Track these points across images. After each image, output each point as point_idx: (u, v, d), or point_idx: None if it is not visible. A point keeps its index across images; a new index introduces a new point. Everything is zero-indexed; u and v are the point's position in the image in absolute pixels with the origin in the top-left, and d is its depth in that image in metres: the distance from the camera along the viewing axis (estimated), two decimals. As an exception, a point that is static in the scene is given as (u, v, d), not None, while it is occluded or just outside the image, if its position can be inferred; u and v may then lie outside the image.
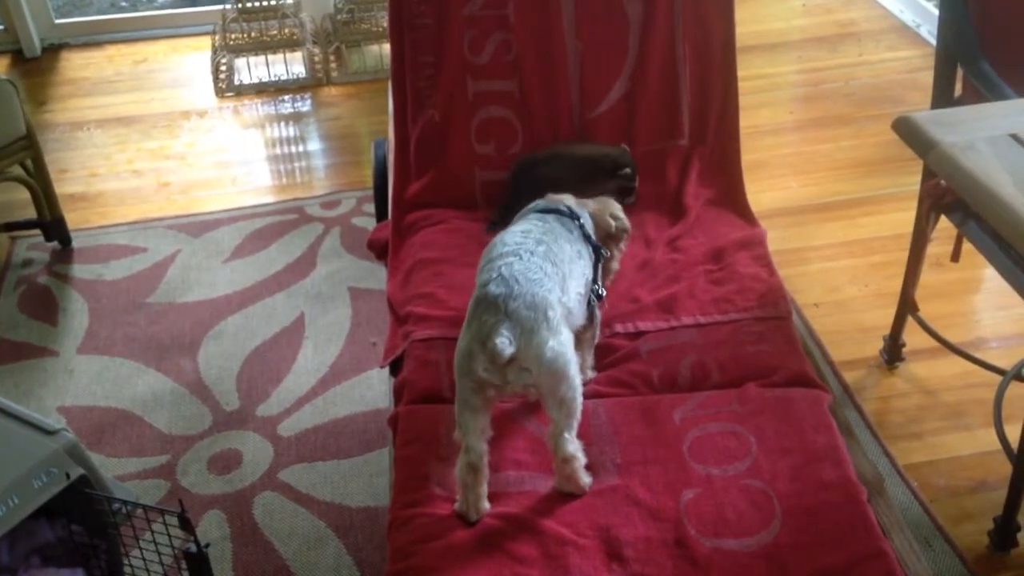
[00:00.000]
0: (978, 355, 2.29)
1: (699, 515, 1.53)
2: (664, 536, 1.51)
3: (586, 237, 1.71)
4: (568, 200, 1.77)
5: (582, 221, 1.71)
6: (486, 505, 1.54)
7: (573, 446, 1.55)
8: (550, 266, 1.55)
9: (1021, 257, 1.82)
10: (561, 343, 1.50)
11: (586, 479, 1.57)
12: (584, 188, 2.00)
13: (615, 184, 2.15)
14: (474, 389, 1.50)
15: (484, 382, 1.49)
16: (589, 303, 1.71)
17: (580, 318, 1.67)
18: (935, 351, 2.35)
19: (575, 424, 1.55)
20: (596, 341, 1.80)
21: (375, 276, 2.70)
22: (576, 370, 1.54)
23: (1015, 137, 1.62)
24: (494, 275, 1.51)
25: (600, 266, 1.74)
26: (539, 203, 1.74)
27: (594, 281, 1.72)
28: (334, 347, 2.51)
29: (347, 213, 3.01)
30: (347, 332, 2.56)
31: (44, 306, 2.71)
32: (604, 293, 1.75)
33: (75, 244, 2.93)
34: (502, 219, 1.99)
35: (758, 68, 3.65)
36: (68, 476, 1.70)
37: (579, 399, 1.55)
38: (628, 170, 2.16)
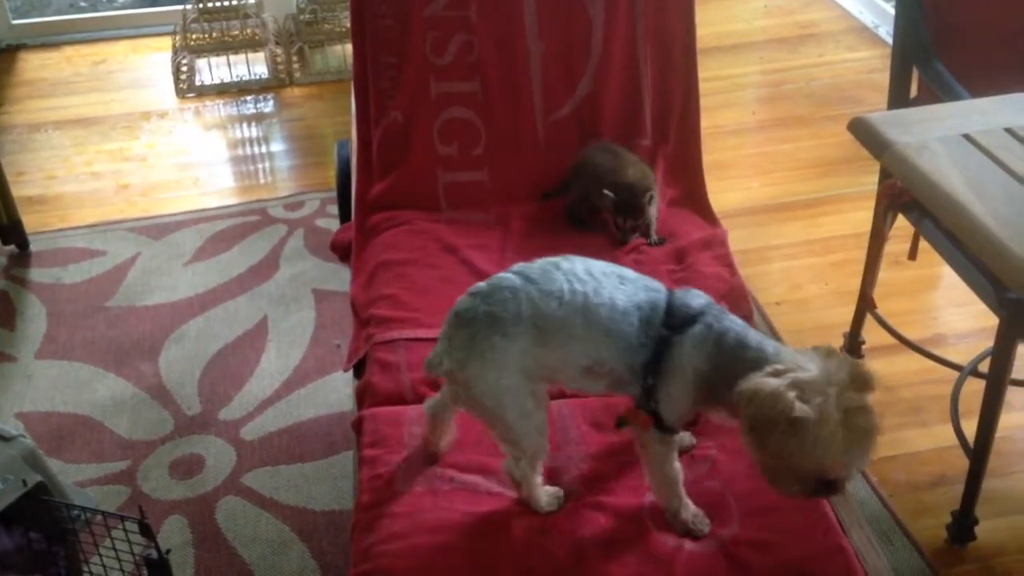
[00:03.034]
0: (936, 351, 2.33)
1: (662, 515, 1.54)
2: (629, 535, 1.51)
3: None
4: None
5: None
6: (446, 445, 1.62)
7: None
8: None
9: (975, 255, 1.85)
10: None
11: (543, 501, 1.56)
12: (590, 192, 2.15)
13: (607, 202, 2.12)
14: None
15: None
16: None
17: None
18: (894, 348, 2.38)
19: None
20: None
21: (339, 278, 2.68)
22: None
23: (968, 137, 1.65)
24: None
25: None
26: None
27: None
28: (298, 350, 2.50)
29: (311, 215, 3.00)
30: (311, 334, 2.54)
31: (1, 311, 2.66)
32: None
33: (33, 248, 2.89)
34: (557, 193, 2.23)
35: (721, 69, 3.68)
36: (25, 483, 1.68)
37: None
38: (612, 195, 2.08)
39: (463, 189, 2.24)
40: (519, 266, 1.51)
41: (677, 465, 1.50)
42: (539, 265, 1.50)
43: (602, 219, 2.17)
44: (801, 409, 1.25)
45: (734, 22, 4.02)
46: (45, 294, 2.72)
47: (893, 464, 2.17)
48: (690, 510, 1.52)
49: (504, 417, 1.49)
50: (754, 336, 1.40)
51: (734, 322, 1.42)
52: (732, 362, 1.37)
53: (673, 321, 1.42)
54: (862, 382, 1.29)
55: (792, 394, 1.26)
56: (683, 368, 1.41)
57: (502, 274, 1.50)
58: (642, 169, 2.16)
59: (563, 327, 1.44)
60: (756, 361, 1.34)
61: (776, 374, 1.30)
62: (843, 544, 1.48)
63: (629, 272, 1.50)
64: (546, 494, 1.56)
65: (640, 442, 1.49)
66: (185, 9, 3.75)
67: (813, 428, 1.25)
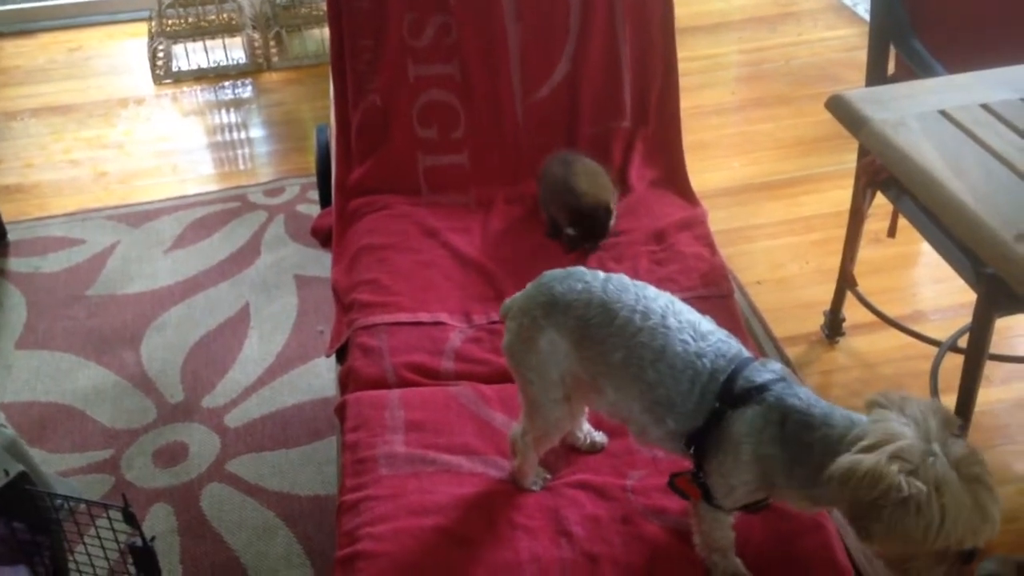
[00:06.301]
0: (915, 328, 2.35)
1: (645, 494, 1.55)
2: (612, 514, 1.52)
3: None
4: None
5: None
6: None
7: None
8: None
9: (952, 231, 1.86)
10: None
11: (529, 478, 1.57)
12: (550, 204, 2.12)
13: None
14: None
15: None
16: None
17: None
18: (874, 325, 2.40)
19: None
20: None
21: (321, 263, 2.68)
22: None
23: (944, 113, 1.65)
24: None
25: None
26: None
27: None
28: (280, 336, 2.49)
29: (291, 200, 2.98)
30: (293, 320, 2.54)
31: (-20, 301, 2.65)
32: None
33: (11, 237, 2.87)
34: None
35: (700, 49, 3.67)
36: (7, 473, 1.67)
37: None
38: (574, 232, 2.05)
39: (443, 172, 2.24)
40: (620, 275, 1.44)
41: (730, 533, 1.41)
42: (631, 282, 1.42)
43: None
44: (913, 485, 1.08)
45: (713, 1, 4.01)
46: (24, 283, 2.70)
47: (874, 440, 2.18)
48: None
49: (528, 389, 1.49)
50: (820, 411, 1.25)
51: (801, 398, 1.27)
52: (799, 447, 1.22)
53: (729, 394, 1.30)
54: (951, 422, 1.15)
55: (895, 467, 1.09)
56: (736, 447, 1.28)
57: (598, 271, 1.45)
58: (596, 181, 2.09)
59: (601, 354, 1.39)
60: (824, 441, 1.20)
61: (869, 449, 1.12)
62: (822, 522, 1.49)
63: (709, 326, 1.38)
64: (533, 473, 1.57)
65: (692, 507, 1.42)
66: (160, -6, 3.72)
67: (935, 499, 1.09)
